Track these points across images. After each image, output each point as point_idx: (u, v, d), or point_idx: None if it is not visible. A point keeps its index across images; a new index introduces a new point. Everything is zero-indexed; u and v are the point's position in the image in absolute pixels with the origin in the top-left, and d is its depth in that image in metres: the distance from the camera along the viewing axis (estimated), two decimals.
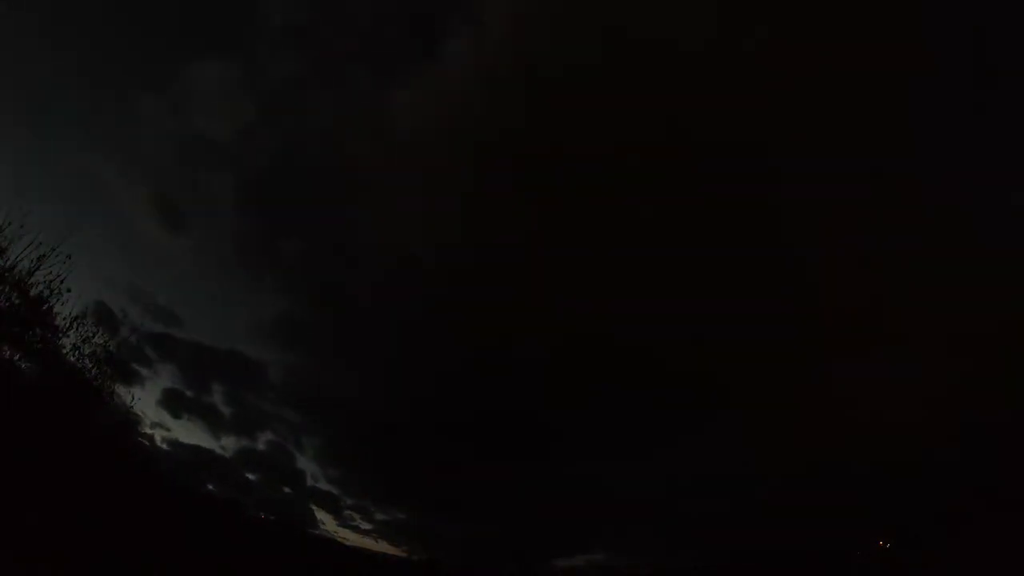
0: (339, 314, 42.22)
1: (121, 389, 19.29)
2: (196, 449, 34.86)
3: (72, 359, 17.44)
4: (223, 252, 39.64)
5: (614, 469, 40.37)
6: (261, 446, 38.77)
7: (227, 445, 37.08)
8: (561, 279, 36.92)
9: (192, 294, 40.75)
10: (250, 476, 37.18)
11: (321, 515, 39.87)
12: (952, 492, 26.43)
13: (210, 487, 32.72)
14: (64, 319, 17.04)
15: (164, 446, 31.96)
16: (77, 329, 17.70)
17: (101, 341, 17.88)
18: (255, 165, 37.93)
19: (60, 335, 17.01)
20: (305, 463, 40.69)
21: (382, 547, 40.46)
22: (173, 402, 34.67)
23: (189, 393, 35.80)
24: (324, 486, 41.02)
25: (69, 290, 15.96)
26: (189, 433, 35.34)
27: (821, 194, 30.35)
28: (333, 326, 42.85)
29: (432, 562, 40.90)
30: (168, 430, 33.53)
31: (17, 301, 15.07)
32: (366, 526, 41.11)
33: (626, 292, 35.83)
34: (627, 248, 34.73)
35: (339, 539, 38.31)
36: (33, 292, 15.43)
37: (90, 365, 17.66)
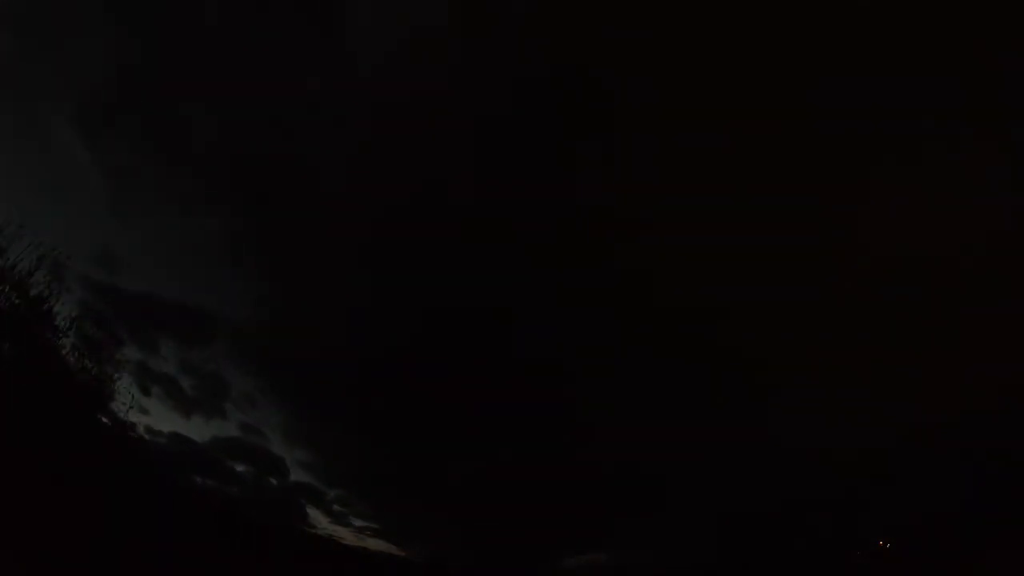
0: (292, 236, 33.26)
1: (121, 388, 19.34)
2: (176, 437, 32.60)
3: (72, 359, 17.50)
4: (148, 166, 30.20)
5: (618, 464, 39.57)
6: (234, 430, 35.91)
7: (200, 427, 34.41)
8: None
9: (118, 226, 31.36)
10: (235, 467, 35.24)
11: (312, 511, 38.37)
12: (952, 492, 26.41)
13: (197, 480, 31.96)
14: (64, 319, 17.11)
15: (144, 434, 30.68)
16: (77, 329, 17.76)
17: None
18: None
19: (60, 335, 17.06)
20: (278, 446, 37.50)
21: (381, 547, 40.08)
22: (140, 375, 32.68)
23: (148, 362, 32.24)
24: (303, 475, 38.43)
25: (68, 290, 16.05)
26: (162, 415, 32.47)
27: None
28: (286, 254, 33.70)
29: (433, 562, 40.62)
30: (146, 413, 30.93)
31: (17, 301, 15.12)
32: (359, 523, 39.73)
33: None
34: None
35: (336, 538, 37.73)
36: (33, 292, 15.48)
37: (90, 365, 17.73)
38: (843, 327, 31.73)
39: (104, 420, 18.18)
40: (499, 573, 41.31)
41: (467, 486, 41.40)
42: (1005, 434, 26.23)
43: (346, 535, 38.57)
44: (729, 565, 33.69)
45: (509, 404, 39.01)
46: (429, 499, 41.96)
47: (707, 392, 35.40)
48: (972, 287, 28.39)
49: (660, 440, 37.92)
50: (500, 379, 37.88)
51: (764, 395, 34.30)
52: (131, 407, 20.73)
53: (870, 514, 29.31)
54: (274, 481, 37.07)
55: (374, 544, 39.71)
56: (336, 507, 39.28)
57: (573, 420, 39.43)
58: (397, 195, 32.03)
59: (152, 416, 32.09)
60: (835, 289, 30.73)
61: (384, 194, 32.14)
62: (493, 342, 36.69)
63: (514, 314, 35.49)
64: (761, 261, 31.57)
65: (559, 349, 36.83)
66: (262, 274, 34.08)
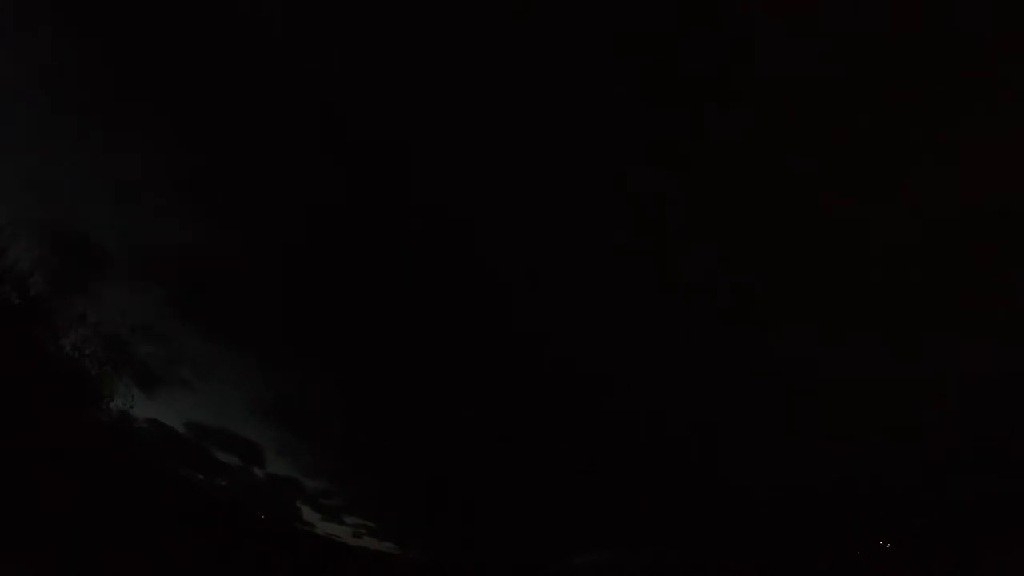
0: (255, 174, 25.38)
1: (120, 386, 19.36)
2: (156, 423, 29.74)
3: (72, 358, 17.57)
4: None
5: (620, 464, 39.06)
6: (205, 413, 32.05)
7: (171, 408, 30.47)
8: None
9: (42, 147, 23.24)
10: (219, 457, 32.77)
11: (304, 508, 37.06)
12: (952, 492, 26.37)
13: (184, 472, 30.37)
14: (64, 319, 17.20)
15: (115, 413, 28.02)
16: (77, 329, 17.84)
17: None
18: None
19: (60, 335, 17.15)
20: (247, 428, 33.46)
21: (380, 547, 39.87)
22: (94, 338, 28.90)
23: (93, 318, 27.56)
24: (281, 465, 35.27)
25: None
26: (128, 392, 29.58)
27: None
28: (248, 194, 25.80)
29: (434, 562, 40.46)
30: (129, 403, 28.64)
31: (17, 301, 15.20)
32: (352, 519, 38.52)
33: None
34: None
35: (334, 537, 37.30)
36: (33, 292, 15.57)
37: (89, 366, 17.79)
38: (843, 326, 31.69)
39: (103, 418, 18.31)
40: (499, 573, 41.22)
41: (467, 485, 41.22)
42: (1006, 434, 26.17)
43: (343, 534, 38.30)
44: (729, 565, 33.68)
45: (510, 401, 38.61)
46: (429, 498, 41.52)
47: (707, 392, 35.40)
48: (972, 287, 28.33)
49: (660, 440, 37.91)
50: (500, 374, 37.04)
51: (765, 395, 34.28)
52: (131, 406, 20.82)
53: (870, 514, 29.27)
54: (259, 472, 34.76)
55: (373, 544, 39.48)
56: (323, 501, 37.44)
57: (574, 417, 39.31)
58: (384, 151, 24.61)
59: (127, 401, 28.25)
60: (832, 287, 30.69)
61: (375, 148, 24.57)
62: (494, 335, 35.12)
63: (516, 304, 33.87)
64: (765, 258, 31.44)
65: (563, 344, 36.23)
66: (218, 215, 25.98)
